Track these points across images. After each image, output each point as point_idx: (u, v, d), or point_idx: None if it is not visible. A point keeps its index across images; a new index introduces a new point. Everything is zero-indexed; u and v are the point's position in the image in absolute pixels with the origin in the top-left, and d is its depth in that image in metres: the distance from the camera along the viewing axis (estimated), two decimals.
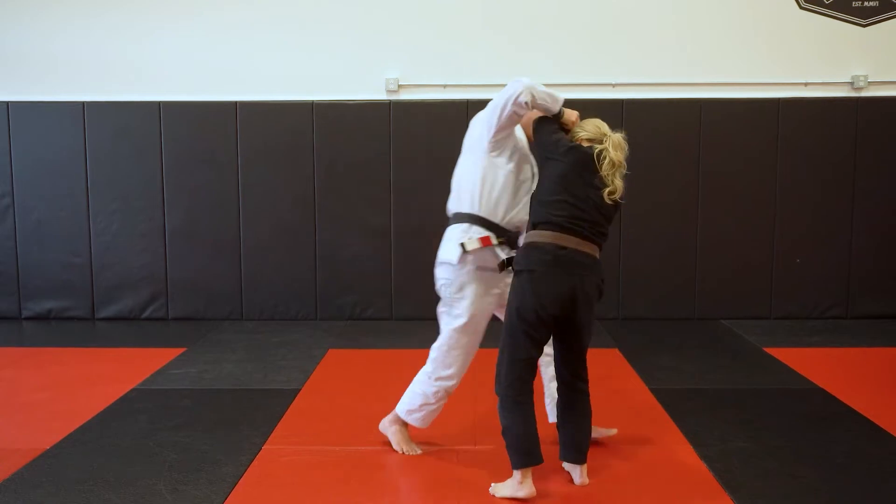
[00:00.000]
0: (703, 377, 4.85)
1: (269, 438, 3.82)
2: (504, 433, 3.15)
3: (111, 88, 6.41)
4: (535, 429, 3.13)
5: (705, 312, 6.40)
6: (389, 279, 6.44)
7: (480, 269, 3.37)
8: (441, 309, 3.53)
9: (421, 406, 3.57)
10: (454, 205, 3.49)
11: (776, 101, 6.29)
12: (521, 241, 3.32)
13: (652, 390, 4.53)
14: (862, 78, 6.33)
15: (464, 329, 3.45)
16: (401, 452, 3.60)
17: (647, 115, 6.28)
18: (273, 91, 6.39)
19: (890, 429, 3.92)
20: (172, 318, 6.49)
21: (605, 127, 3.28)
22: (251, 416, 4.15)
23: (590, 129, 3.27)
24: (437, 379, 3.53)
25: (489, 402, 4.31)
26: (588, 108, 6.03)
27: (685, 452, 3.62)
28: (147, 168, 6.38)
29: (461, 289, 3.40)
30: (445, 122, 6.29)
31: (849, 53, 6.36)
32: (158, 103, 6.35)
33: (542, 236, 3.13)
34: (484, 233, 3.35)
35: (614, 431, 3.69)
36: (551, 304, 3.08)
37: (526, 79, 3.20)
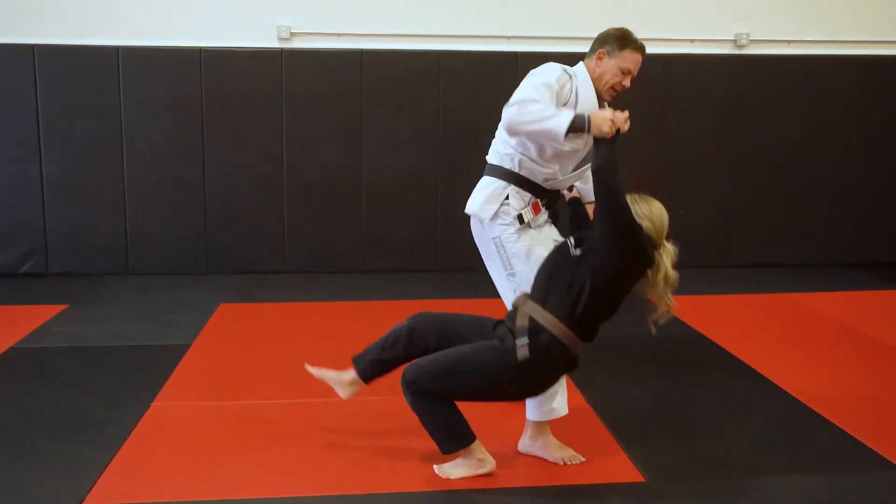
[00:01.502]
0: None
1: (158, 395, 3.73)
2: (426, 422, 2.85)
3: None
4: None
5: None
6: (283, 232, 6.34)
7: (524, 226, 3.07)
8: (498, 276, 3.16)
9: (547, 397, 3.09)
10: (494, 153, 3.17)
11: (665, 57, 6.44)
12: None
13: None
14: (744, 36, 6.55)
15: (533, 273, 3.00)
16: (571, 463, 3.10)
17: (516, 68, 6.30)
18: (158, 36, 6.10)
19: (759, 368, 4.18)
20: (52, 273, 6.19)
21: (666, 225, 2.85)
22: (139, 373, 4.04)
23: (656, 221, 2.84)
24: None
25: None
26: (483, 62, 6.07)
27: (573, 398, 3.74)
28: (21, 116, 6.00)
29: (513, 243, 3.06)
30: (340, 72, 6.18)
31: (732, 11, 6.57)
32: (32, 47, 5.95)
33: (573, 347, 2.78)
34: (527, 198, 3.05)
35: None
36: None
37: (564, 114, 2.79)
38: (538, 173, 3.06)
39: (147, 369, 4.09)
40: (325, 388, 3.79)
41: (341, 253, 6.40)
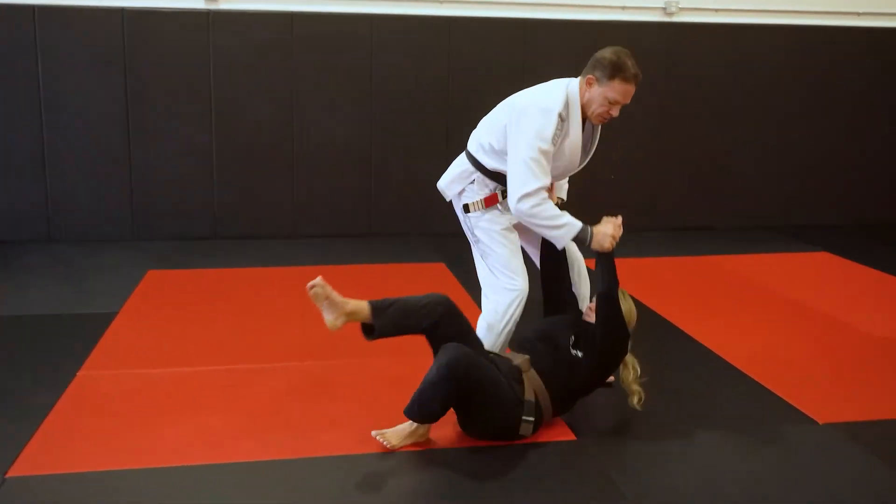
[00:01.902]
0: None
1: (84, 364, 3.64)
2: (428, 390, 2.80)
3: None
4: None
5: None
6: (212, 197, 6.21)
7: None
8: (472, 246, 3.36)
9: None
10: (474, 145, 3.29)
11: (595, 24, 6.48)
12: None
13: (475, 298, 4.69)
14: (674, 4, 6.64)
15: (498, 241, 3.24)
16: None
17: (472, 34, 6.28)
18: None
19: (683, 328, 4.32)
20: None
21: (635, 317, 3.16)
22: (64, 343, 3.94)
23: (630, 319, 3.14)
24: (504, 313, 3.21)
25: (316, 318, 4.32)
26: (416, 25, 5.97)
27: None
28: None
29: (478, 218, 3.28)
30: (269, 34, 6.04)
31: None
32: None
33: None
34: (490, 187, 3.25)
35: None
36: None
37: (569, 228, 3.06)
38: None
39: (72, 339, 3.98)
40: (258, 355, 3.79)
41: (273, 218, 6.31)
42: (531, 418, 2.94)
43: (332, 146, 6.24)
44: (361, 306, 2.91)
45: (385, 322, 2.92)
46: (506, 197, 3.15)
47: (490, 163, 3.22)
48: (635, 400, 3.13)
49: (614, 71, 3.01)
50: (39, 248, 5.83)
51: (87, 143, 5.96)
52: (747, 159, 6.98)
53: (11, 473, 2.71)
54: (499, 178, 3.21)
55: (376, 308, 2.92)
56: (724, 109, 6.85)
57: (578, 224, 3.04)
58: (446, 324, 2.94)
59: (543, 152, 3.03)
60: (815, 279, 5.51)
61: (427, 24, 6.16)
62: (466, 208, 3.28)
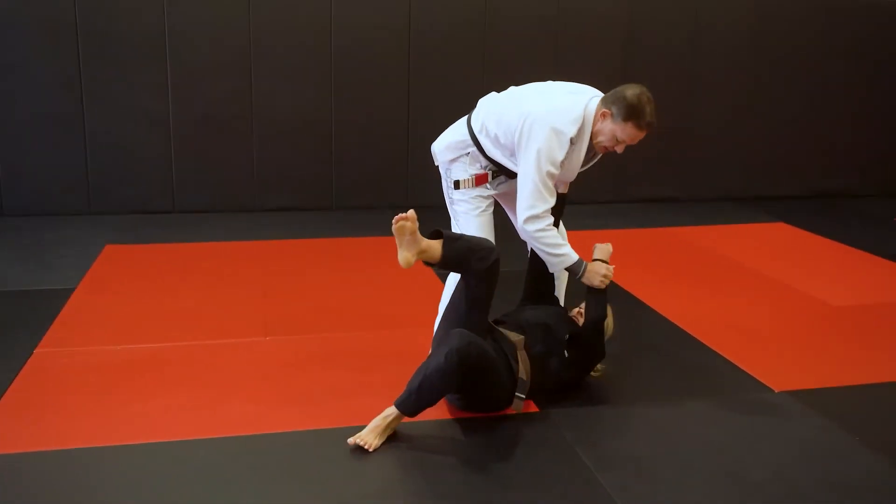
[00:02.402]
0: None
1: (41, 342, 3.57)
2: (423, 383, 2.75)
3: None
4: None
5: None
6: (171, 169, 6.09)
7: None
8: (449, 198, 3.38)
9: None
10: (478, 124, 3.24)
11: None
12: None
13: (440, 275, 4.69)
14: None
15: (471, 213, 3.31)
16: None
17: (436, 8, 6.22)
18: None
19: (645, 300, 4.37)
20: None
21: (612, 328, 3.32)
22: (20, 319, 3.85)
23: (609, 331, 3.31)
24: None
25: (279, 295, 4.29)
26: None
27: None
28: None
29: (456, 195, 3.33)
30: (227, 1, 5.90)
31: None
32: None
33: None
34: (482, 164, 3.26)
35: None
36: None
37: (565, 259, 3.20)
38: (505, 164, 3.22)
39: (29, 315, 3.90)
40: (221, 330, 3.75)
41: (233, 191, 6.21)
42: (523, 396, 3.00)
43: (294, 117, 6.15)
44: (434, 245, 2.94)
45: (452, 253, 2.95)
46: (496, 177, 3.25)
47: (490, 149, 3.22)
48: (596, 373, 3.33)
49: (630, 115, 3.02)
50: None
51: (41, 112, 5.78)
52: (710, 130, 7.04)
53: None
54: (492, 160, 3.24)
55: (447, 239, 2.96)
56: (686, 80, 6.88)
57: (575, 257, 3.19)
58: (491, 273, 2.98)
59: (551, 175, 3.07)
60: (773, 249, 5.61)
61: None
62: (457, 185, 3.27)
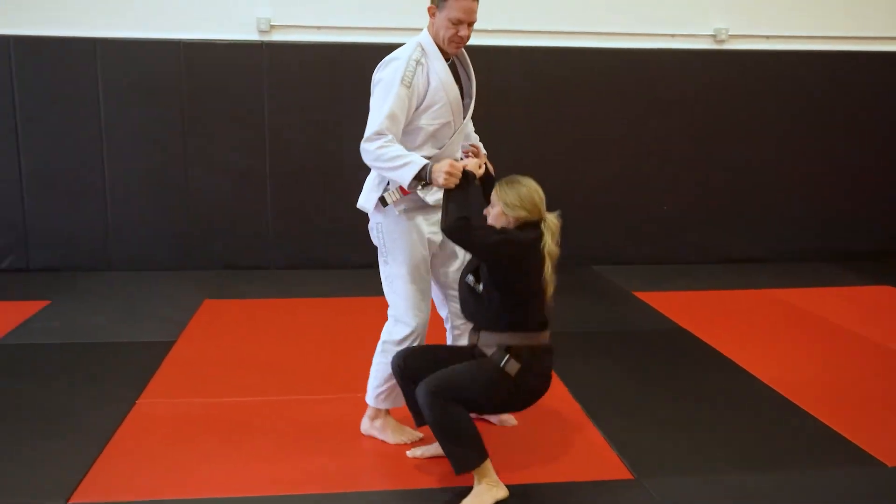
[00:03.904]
0: (576, 320, 5.03)
1: (143, 392, 3.72)
2: (451, 435, 2.75)
3: None
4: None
5: (576, 258, 6.59)
6: (266, 226, 6.30)
7: (408, 210, 3.11)
8: (380, 261, 3.23)
9: (385, 380, 3.20)
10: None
11: (642, 52, 6.47)
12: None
13: None
14: (724, 31, 6.60)
15: (408, 277, 3.14)
16: (401, 444, 3.22)
17: (510, 63, 6.30)
18: (137, 28, 6.02)
19: (740, 362, 4.23)
20: (33, 268, 6.12)
21: (541, 200, 2.90)
22: (123, 370, 4.02)
23: (528, 205, 2.86)
24: (393, 346, 3.15)
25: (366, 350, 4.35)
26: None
27: (560, 393, 3.78)
28: None
29: (392, 234, 3.13)
30: (320, 65, 6.14)
31: (711, 6, 6.61)
32: (9, 38, 5.87)
33: (540, 340, 2.92)
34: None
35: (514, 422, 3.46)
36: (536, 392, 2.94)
37: (413, 166, 2.89)
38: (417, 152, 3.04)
39: (132, 366, 4.07)
40: (312, 385, 3.82)
41: (324, 248, 6.37)
42: (505, 358, 2.82)
43: None
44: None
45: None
46: (424, 187, 3.02)
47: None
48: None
49: None
50: (100, 276, 5.98)
51: (145, 170, 6.11)
52: (798, 188, 6.84)
53: (74, 500, 2.77)
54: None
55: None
56: (774, 137, 6.74)
57: (422, 161, 2.90)
58: (411, 368, 2.96)
59: (398, 97, 2.94)
60: (876, 313, 5.36)
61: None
62: (383, 201, 3.05)
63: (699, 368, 4.21)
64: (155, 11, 6.03)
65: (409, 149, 2.99)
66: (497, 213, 2.89)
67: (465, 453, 2.75)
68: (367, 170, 3.17)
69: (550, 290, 2.90)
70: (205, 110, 6.12)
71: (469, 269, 2.98)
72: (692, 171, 6.69)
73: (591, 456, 3.17)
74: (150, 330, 4.71)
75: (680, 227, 6.73)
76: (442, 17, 3.01)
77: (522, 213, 2.85)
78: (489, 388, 2.81)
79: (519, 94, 6.36)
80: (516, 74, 6.34)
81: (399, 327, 3.16)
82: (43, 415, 3.46)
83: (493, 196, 2.92)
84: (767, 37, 6.67)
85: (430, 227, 3.15)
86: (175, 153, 6.13)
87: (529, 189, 2.88)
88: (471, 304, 2.95)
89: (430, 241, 3.17)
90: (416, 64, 3.01)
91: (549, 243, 2.87)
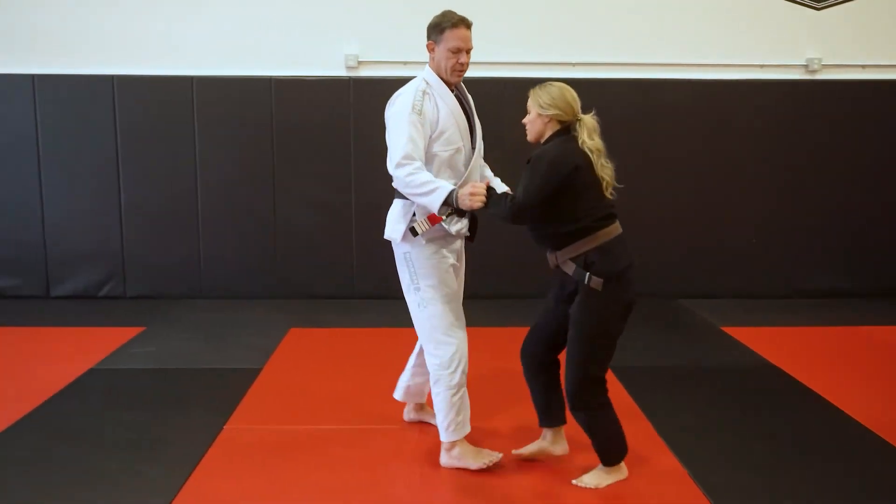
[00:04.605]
0: (662, 355, 4.94)
1: (231, 418, 3.80)
2: (601, 439, 3.10)
3: (64, 61, 6.24)
4: None
5: (662, 291, 6.48)
6: (350, 256, 6.42)
7: (434, 240, 3.24)
8: (406, 290, 3.34)
9: (450, 411, 3.24)
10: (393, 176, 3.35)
11: (732, 83, 6.37)
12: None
13: (611, 367, 4.57)
14: (816, 61, 6.43)
15: (443, 298, 3.24)
16: (485, 467, 3.24)
17: (602, 95, 6.28)
18: (231, 66, 6.28)
19: (838, 404, 4.04)
20: (130, 296, 6.39)
21: (574, 100, 3.02)
22: (211, 395, 4.13)
23: (561, 104, 2.99)
24: (444, 370, 3.22)
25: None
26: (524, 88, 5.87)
27: (644, 428, 3.70)
28: (101, 143, 6.24)
29: (421, 260, 3.25)
30: None
31: (804, 36, 6.46)
32: (112, 77, 6.20)
33: (609, 234, 2.99)
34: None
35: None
36: (632, 301, 3.05)
37: (440, 192, 3.05)
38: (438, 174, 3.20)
39: (220, 391, 4.18)
40: (396, 415, 3.83)
41: None
42: (586, 274, 2.94)
43: None
44: None
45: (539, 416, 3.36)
46: (449, 216, 3.16)
47: None
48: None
49: (440, 26, 3.20)
50: (192, 304, 6.19)
51: (236, 202, 6.33)
52: (889, 220, 6.57)
53: None
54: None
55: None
56: (867, 169, 6.50)
57: (449, 187, 3.06)
58: (529, 355, 3.27)
59: (412, 124, 3.12)
60: None
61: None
62: (413, 231, 3.19)
63: (792, 407, 4.04)
64: (248, 50, 6.28)
65: (434, 168, 3.18)
66: (533, 117, 3.05)
67: (613, 449, 3.11)
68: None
69: (606, 181, 3.01)
70: (293, 145, 6.31)
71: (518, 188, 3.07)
72: (782, 203, 6.51)
73: (679, 495, 3.08)
74: (238, 357, 4.83)
75: (768, 260, 6.54)
76: (441, 49, 3.21)
77: (555, 112, 2.99)
78: (596, 337, 3.00)
79: (615, 127, 6.32)
80: (611, 107, 6.28)
81: (442, 349, 3.24)
82: (134, 438, 3.57)
83: (529, 103, 3.08)
84: (863, 66, 6.47)
85: (450, 253, 3.31)
86: (264, 186, 6.33)
87: (561, 88, 3.03)
88: (539, 230, 3.06)
89: (452, 266, 3.32)
90: (423, 94, 3.21)
91: (585, 139, 2.99)
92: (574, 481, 3.13)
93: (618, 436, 3.12)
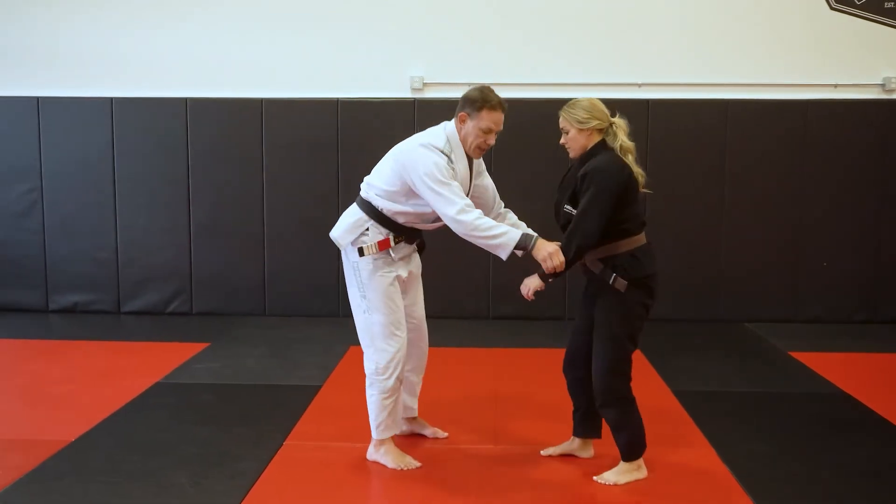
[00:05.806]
0: (727, 380, 4.82)
1: (291, 434, 3.84)
2: (628, 433, 3.23)
3: (139, 85, 6.47)
4: None
5: (729, 314, 6.33)
6: None
7: (378, 256, 3.40)
8: (353, 296, 3.48)
9: (381, 413, 3.45)
10: (366, 189, 3.48)
11: (805, 103, 6.22)
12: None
13: (674, 392, 4.50)
14: (894, 80, 6.24)
15: (385, 309, 3.39)
16: (399, 469, 3.40)
17: (672, 116, 6.24)
18: (299, 88, 6.42)
19: None
20: (196, 312, 6.54)
21: (603, 106, 3.20)
22: (273, 411, 4.18)
23: (598, 114, 3.15)
24: (379, 376, 3.42)
25: (510, 402, 4.31)
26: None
27: (707, 455, 3.60)
28: (173, 164, 6.44)
29: (368, 272, 3.39)
30: None
31: (880, 55, 6.28)
32: (185, 100, 6.40)
33: (640, 241, 3.15)
34: (383, 233, 3.38)
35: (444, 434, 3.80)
36: (650, 306, 3.21)
37: (509, 236, 3.17)
38: (399, 217, 3.37)
39: (281, 408, 4.23)
40: (453, 435, 3.81)
41: (467, 298, 6.43)
42: (612, 275, 3.09)
43: (532, 226, 6.30)
44: None
45: (576, 426, 3.55)
46: (398, 242, 3.36)
47: (387, 206, 3.35)
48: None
49: (481, 103, 3.25)
50: (257, 321, 6.31)
51: (301, 221, 6.44)
52: None
53: None
54: (392, 224, 3.37)
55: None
56: None
57: (518, 232, 3.18)
58: (570, 361, 3.43)
59: (446, 182, 3.18)
60: None
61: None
62: (361, 252, 3.35)
63: (865, 437, 3.88)
64: (315, 72, 6.41)
65: (398, 213, 3.34)
66: (574, 134, 3.16)
67: (635, 445, 3.24)
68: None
69: (640, 182, 3.14)
70: (358, 164, 6.34)
71: (565, 199, 3.19)
72: (856, 225, 6.30)
73: None
74: (299, 374, 4.89)
75: (840, 284, 6.33)
76: (473, 125, 3.30)
77: (596, 123, 3.12)
78: (620, 335, 3.11)
79: (689, 149, 6.27)
80: (688, 127, 6.26)
81: (379, 354, 3.41)
82: (197, 451, 3.63)
83: (562, 123, 3.17)
84: None
85: (398, 266, 3.44)
86: (330, 205, 6.39)
87: (589, 100, 3.16)
88: (570, 229, 3.14)
89: (398, 278, 3.43)
90: (447, 157, 3.28)
91: (623, 139, 3.13)
92: (595, 478, 3.25)
93: (641, 431, 3.24)
